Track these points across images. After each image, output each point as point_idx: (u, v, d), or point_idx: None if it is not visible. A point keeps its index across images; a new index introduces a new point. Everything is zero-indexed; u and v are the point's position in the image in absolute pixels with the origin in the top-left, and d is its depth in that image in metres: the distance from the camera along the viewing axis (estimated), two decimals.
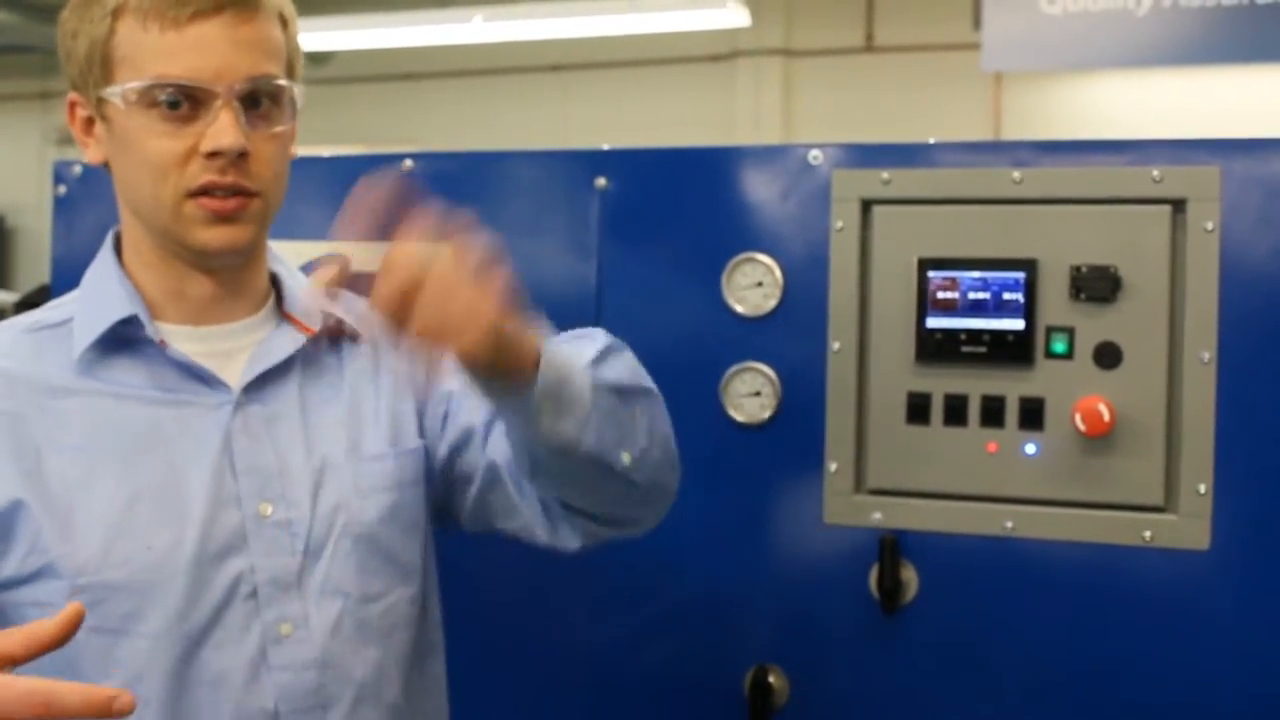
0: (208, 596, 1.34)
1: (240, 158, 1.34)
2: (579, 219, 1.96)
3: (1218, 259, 1.70)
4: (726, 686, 1.89)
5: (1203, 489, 1.71)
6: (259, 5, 1.37)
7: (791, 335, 1.86)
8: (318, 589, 1.39)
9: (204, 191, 1.34)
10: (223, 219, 1.36)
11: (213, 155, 1.33)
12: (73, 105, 1.41)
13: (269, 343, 1.44)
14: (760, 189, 1.88)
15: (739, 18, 7.84)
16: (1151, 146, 1.74)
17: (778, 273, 1.86)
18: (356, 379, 1.50)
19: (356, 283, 1.23)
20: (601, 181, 1.95)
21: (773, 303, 1.87)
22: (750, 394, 1.87)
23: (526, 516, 1.52)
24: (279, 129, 1.39)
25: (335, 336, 1.49)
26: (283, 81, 1.39)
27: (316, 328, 1.46)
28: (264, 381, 1.42)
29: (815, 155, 1.86)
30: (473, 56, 9.72)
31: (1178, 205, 1.73)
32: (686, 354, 1.90)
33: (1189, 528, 1.71)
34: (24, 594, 1.33)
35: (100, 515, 1.32)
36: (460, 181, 2.01)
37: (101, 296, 1.41)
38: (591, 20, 8.01)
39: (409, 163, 2.03)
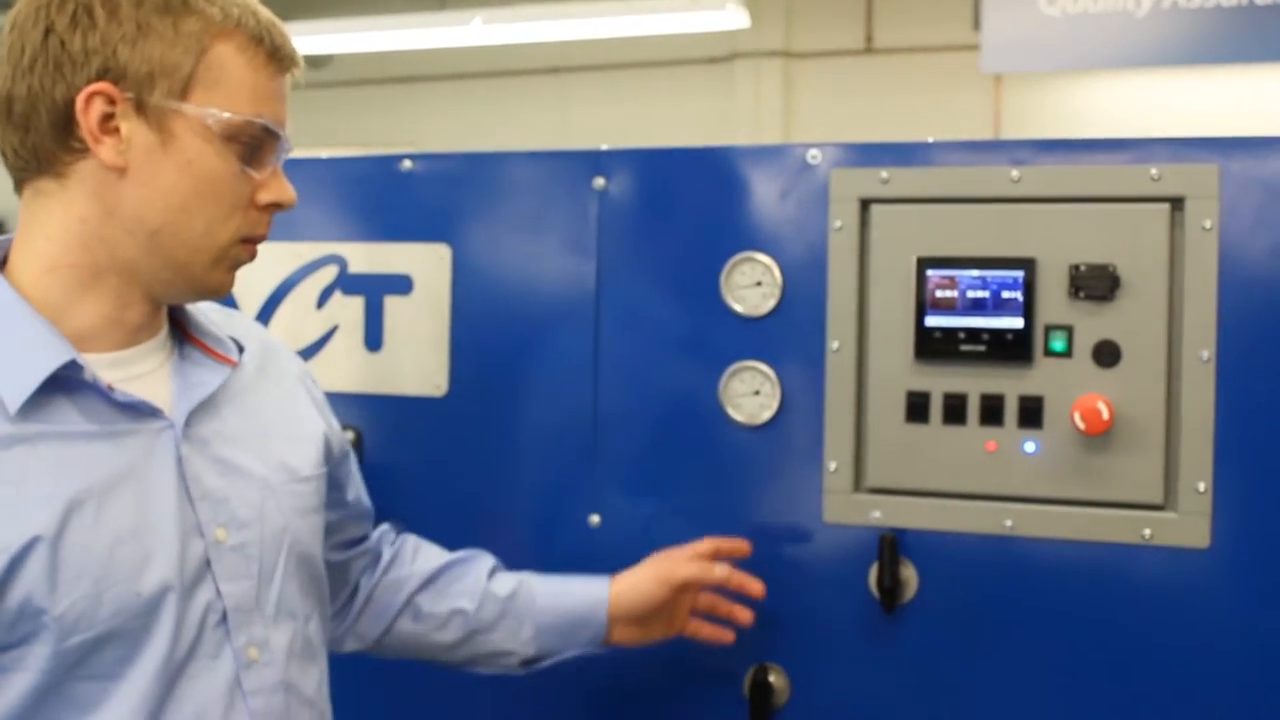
0: (187, 629, 1.32)
1: None
2: (578, 219, 1.96)
3: (1216, 257, 1.70)
4: (727, 686, 1.89)
5: (1202, 487, 1.71)
6: None
7: (790, 334, 1.86)
8: (273, 611, 1.41)
9: (249, 240, 1.38)
10: (238, 267, 1.40)
11: (269, 207, 1.37)
12: (96, 95, 1.28)
13: (190, 370, 1.42)
14: (759, 188, 1.88)
15: (738, 19, 7.84)
16: (1150, 145, 1.74)
17: (777, 272, 1.86)
18: (265, 398, 1.51)
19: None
20: (600, 182, 1.95)
21: (772, 302, 1.87)
22: (750, 393, 1.87)
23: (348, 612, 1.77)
24: None
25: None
26: None
27: (232, 356, 1.46)
28: (195, 407, 1.40)
29: (814, 155, 1.86)
30: (471, 59, 9.73)
31: (1176, 203, 1.73)
32: (686, 353, 1.90)
33: (1188, 526, 1.71)
34: (5, 658, 1.25)
35: (86, 566, 1.25)
36: (460, 182, 2.02)
37: (12, 336, 1.29)
38: (590, 22, 8.02)
39: (408, 163, 2.04)
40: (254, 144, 1.34)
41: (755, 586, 1.80)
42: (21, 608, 1.23)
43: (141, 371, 1.37)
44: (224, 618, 1.35)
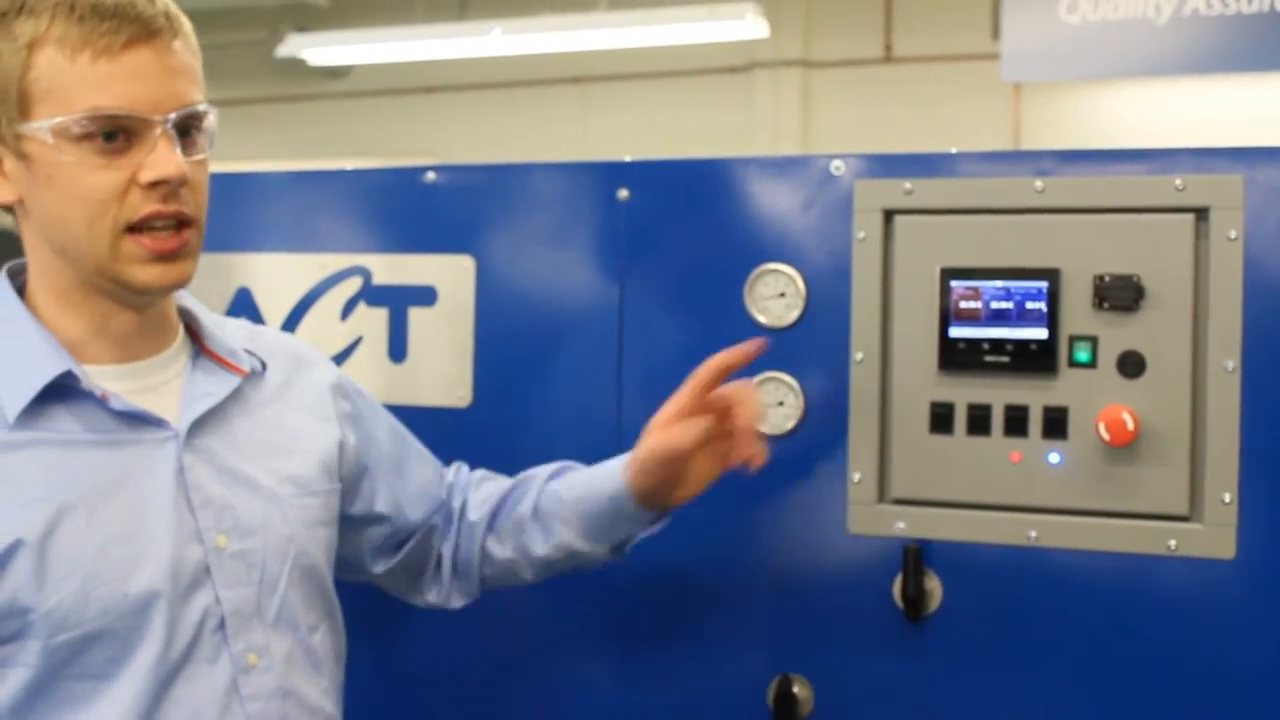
0: (181, 632, 1.35)
1: (179, 186, 1.34)
2: (601, 231, 1.96)
3: (1241, 267, 1.70)
4: (750, 697, 1.88)
5: (1228, 498, 1.70)
6: (183, 29, 1.37)
7: (814, 345, 1.86)
8: (273, 619, 1.43)
9: (144, 225, 1.33)
10: (163, 258, 1.35)
11: (154, 185, 1.32)
12: None
13: (200, 381, 1.44)
14: (782, 200, 1.89)
15: (758, 29, 7.86)
16: (1174, 155, 1.74)
17: (800, 283, 1.87)
18: (283, 412, 1.53)
19: None
20: (624, 193, 1.95)
21: (795, 313, 1.87)
22: (773, 404, 1.87)
23: (429, 582, 1.78)
24: (204, 155, 1.39)
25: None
26: (208, 108, 1.38)
27: (244, 366, 1.48)
28: (202, 417, 1.42)
29: (837, 165, 1.86)
30: (492, 69, 9.76)
31: (1201, 214, 1.72)
32: None
33: (1214, 537, 1.71)
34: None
35: (75, 565, 1.30)
36: (483, 194, 2.02)
37: (16, 348, 1.36)
38: (611, 32, 8.05)
39: (432, 175, 2.04)
40: (112, 132, 1.31)
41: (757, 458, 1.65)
42: (9, 605, 1.28)
43: (155, 383, 1.42)
44: (222, 623, 1.38)
